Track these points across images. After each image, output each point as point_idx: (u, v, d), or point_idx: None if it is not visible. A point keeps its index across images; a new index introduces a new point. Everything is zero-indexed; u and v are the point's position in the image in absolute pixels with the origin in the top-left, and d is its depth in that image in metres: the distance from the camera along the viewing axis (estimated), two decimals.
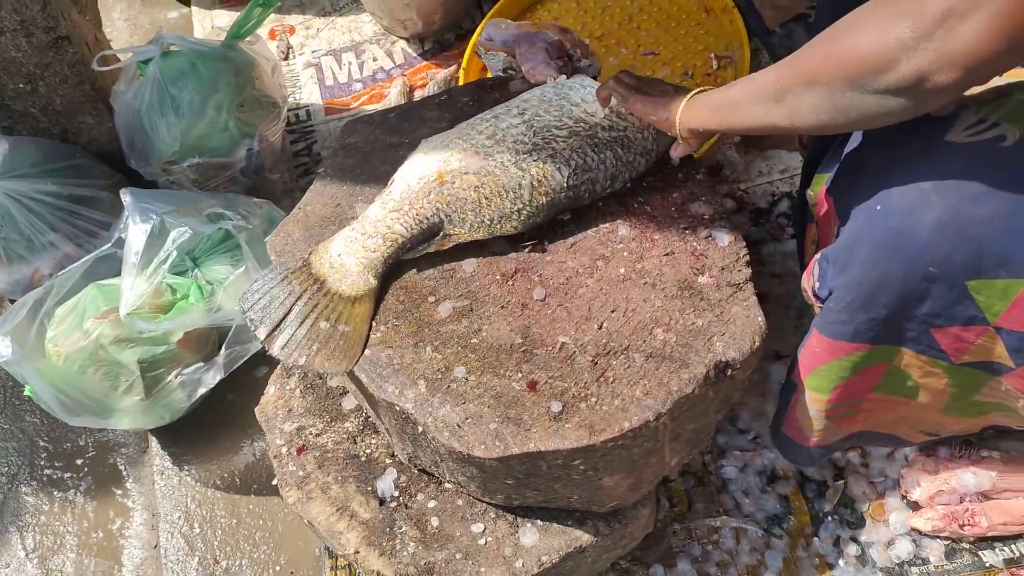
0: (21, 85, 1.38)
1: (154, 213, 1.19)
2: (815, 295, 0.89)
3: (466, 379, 0.88)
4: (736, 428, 1.25)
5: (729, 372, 0.89)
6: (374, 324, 0.94)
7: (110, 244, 1.30)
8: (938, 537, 1.12)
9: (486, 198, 0.96)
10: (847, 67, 0.71)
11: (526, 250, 0.99)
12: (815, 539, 1.15)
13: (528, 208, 0.96)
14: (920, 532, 1.12)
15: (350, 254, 0.96)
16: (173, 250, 1.19)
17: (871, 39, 0.68)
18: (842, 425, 1.01)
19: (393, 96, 1.71)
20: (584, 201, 0.99)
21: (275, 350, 0.92)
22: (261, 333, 0.93)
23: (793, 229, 1.39)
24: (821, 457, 1.10)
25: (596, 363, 0.88)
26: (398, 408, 0.88)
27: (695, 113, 0.89)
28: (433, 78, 1.71)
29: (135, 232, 1.19)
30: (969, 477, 1.08)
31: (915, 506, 1.14)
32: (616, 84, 0.98)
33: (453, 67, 1.71)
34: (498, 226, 0.96)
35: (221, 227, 1.25)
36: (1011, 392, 0.86)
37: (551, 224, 1.00)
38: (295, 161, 1.67)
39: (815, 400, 0.96)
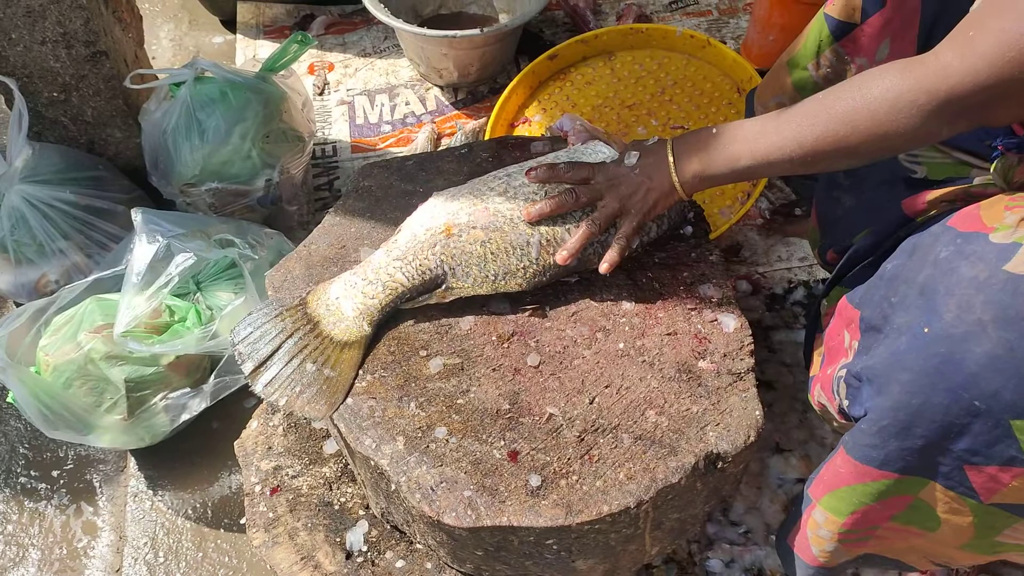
0: (55, 94, 1.41)
1: (161, 235, 1.19)
2: (841, 413, 0.84)
3: (447, 440, 0.85)
4: (728, 519, 1.20)
5: (720, 465, 0.85)
6: (361, 372, 0.91)
7: (122, 266, 1.30)
8: None
9: (492, 254, 0.94)
10: (893, 145, 0.78)
11: (526, 313, 0.96)
12: None
13: (534, 267, 0.95)
14: None
15: (348, 298, 0.94)
16: (175, 276, 1.18)
17: (906, 124, 0.74)
18: (851, 549, 0.94)
19: (420, 141, 1.72)
20: (593, 264, 0.97)
21: (258, 387, 0.91)
22: (247, 368, 0.92)
23: (806, 325, 1.35)
24: None
25: (582, 439, 0.85)
26: (373, 463, 0.85)
27: (696, 185, 0.93)
28: (462, 128, 1.72)
29: (140, 252, 1.19)
30: None
31: None
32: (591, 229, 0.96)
33: (483, 119, 1.72)
34: (502, 282, 0.94)
35: (227, 255, 1.24)
36: None
37: (555, 289, 0.98)
38: (316, 195, 1.67)
39: (829, 521, 0.90)
